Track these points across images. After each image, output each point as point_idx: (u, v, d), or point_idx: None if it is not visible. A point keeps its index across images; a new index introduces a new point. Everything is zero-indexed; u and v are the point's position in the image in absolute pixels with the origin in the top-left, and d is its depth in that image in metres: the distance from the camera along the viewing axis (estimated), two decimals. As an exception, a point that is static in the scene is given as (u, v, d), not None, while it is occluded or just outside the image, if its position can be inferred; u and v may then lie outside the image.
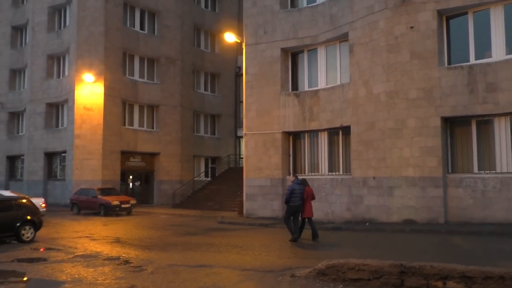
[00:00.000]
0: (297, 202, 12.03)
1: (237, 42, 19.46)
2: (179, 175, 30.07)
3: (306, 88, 17.51)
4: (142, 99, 28.74)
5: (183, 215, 21.48)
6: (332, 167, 16.76)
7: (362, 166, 15.02)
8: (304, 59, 17.69)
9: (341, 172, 16.40)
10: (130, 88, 28.05)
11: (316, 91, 16.91)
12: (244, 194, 18.79)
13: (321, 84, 17.10)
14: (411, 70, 13.99)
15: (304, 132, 17.38)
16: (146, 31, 29.48)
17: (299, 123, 17.17)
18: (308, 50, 17.56)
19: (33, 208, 13.71)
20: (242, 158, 34.16)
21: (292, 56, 18.02)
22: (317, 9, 16.94)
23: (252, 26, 18.15)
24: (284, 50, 17.74)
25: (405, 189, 13.95)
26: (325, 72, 17.07)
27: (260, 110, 17.85)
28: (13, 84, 32.49)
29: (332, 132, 16.76)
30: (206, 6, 33.69)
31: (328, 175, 16.66)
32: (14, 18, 32.37)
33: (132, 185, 28.95)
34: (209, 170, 33.10)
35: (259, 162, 17.78)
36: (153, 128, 29.65)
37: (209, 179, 31.89)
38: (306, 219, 12.35)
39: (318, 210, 16.53)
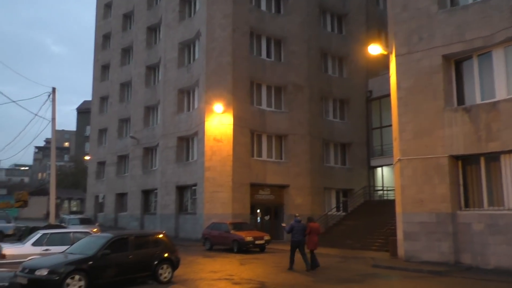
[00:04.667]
0: (297, 238, 14.32)
1: (383, 54, 16.93)
2: (309, 209, 27.71)
3: (479, 101, 14.18)
4: (270, 128, 27.42)
5: (323, 255, 18.81)
6: (522, 199, 12.98)
7: None
8: (473, 65, 14.44)
9: (538, 205, 12.56)
10: (258, 117, 26.95)
11: (495, 104, 13.51)
12: (399, 232, 15.68)
13: (500, 94, 13.65)
14: None
15: (478, 155, 13.93)
16: (272, 59, 28.47)
17: (471, 144, 13.82)
18: (479, 55, 14.32)
19: (170, 245, 12.44)
20: (377, 190, 31.06)
21: (456, 64, 14.90)
22: (489, 3, 13.77)
23: (403, 33, 15.52)
24: (446, 58, 14.73)
25: None
26: (505, 80, 13.62)
27: (418, 131, 14.89)
28: (147, 121, 33.76)
29: (521, 154, 13.09)
30: (332, 30, 31.87)
31: (519, 209, 12.91)
32: (148, 58, 33.99)
33: (261, 219, 27.35)
34: (341, 204, 30.27)
35: (420, 193, 14.66)
36: (281, 159, 28.03)
37: (342, 213, 29.05)
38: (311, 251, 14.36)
39: (508, 255, 12.80)
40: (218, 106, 25.28)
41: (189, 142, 28.78)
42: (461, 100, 14.74)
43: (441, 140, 14.38)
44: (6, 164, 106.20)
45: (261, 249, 20.31)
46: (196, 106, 27.90)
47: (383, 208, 25.50)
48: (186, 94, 29.32)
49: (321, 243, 23.40)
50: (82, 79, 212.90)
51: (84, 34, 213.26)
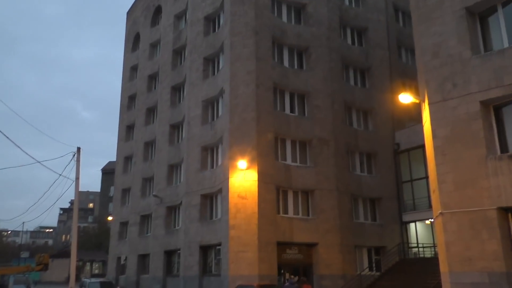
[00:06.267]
0: None
1: (410, 105, 16.31)
2: (340, 268, 26.19)
3: (523, 148, 13.21)
4: (296, 184, 26.59)
5: (360, 321, 17.33)
6: None
7: None
8: (515, 111, 13.64)
9: None
10: (283, 173, 26.23)
11: (543, 150, 12.51)
12: (446, 294, 14.20)
13: (548, 139, 12.69)
14: None
15: (531, 206, 12.75)
16: (296, 114, 28.20)
17: (521, 194, 12.69)
18: (519, 100, 13.55)
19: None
20: (412, 247, 29.23)
21: (495, 110, 14.11)
22: (527, 46, 13.20)
23: (435, 81, 14.94)
24: (484, 104, 13.98)
25: None
26: (553, 124, 12.72)
27: (460, 182, 13.85)
28: (170, 179, 33.31)
29: None
30: (356, 83, 31.69)
31: None
32: (172, 117, 34.18)
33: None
34: (374, 262, 28.47)
35: (467, 250, 13.36)
36: (308, 215, 26.92)
37: (375, 273, 27.23)
38: None
39: None
40: (242, 162, 24.76)
41: (213, 199, 28.05)
42: (504, 147, 13.77)
43: (486, 191, 13.28)
44: (32, 227, 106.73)
45: (292, 314, 18.82)
46: (220, 162, 27.45)
47: (421, 267, 23.88)
48: (210, 151, 29.00)
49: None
50: (108, 141, 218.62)
51: (112, 98, 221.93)
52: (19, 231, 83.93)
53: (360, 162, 30.24)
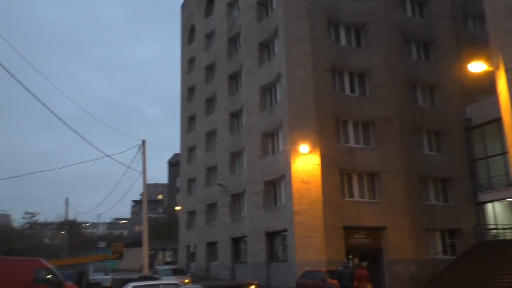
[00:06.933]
0: (345, 283, 15.69)
1: (489, 70, 14.94)
2: (412, 252, 25.12)
3: None
4: (360, 167, 25.75)
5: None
6: None
7: None
8: None
9: None
10: (346, 156, 25.49)
11: None
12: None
13: None
14: None
15: None
16: (357, 94, 27.23)
17: None
18: None
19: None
20: (489, 229, 27.36)
21: None
22: None
23: (510, 45, 13.61)
24: None
25: None
26: None
27: (544, 155, 12.58)
28: (233, 167, 33.63)
29: None
30: (418, 58, 29.99)
31: None
32: (231, 105, 34.38)
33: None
34: (448, 246, 27.03)
35: (556, 229, 12.13)
36: (374, 198, 26.02)
37: (450, 257, 25.85)
38: None
39: None
40: (303, 147, 24.34)
41: (276, 186, 27.93)
42: None
43: None
44: (108, 218, 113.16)
45: (362, 299, 18.27)
46: (280, 148, 27.22)
47: (501, 250, 22.36)
48: (270, 137, 28.84)
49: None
50: (173, 134, 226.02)
51: (173, 93, 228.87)
52: (97, 223, 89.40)
53: (428, 140, 28.66)
